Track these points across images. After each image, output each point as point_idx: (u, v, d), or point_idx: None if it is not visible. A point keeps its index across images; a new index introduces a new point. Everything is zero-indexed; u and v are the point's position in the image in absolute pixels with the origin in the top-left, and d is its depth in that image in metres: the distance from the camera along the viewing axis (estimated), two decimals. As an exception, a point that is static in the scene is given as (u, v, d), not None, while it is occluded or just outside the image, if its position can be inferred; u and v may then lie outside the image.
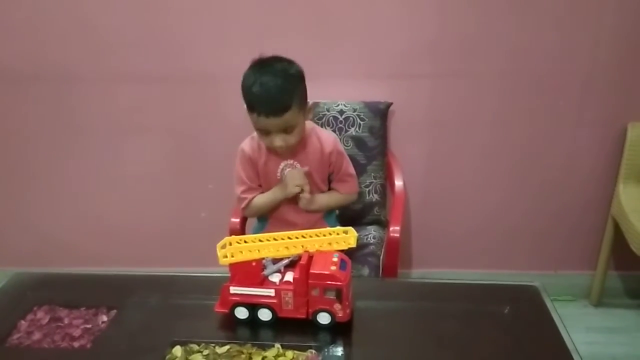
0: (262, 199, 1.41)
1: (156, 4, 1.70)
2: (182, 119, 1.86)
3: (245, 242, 1.03)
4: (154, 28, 1.74)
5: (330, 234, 1.07)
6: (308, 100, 1.33)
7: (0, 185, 2.01)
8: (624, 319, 1.91)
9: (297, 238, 1.05)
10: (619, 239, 1.79)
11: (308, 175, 1.39)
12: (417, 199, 1.93)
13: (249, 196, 1.41)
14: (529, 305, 1.08)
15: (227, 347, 0.96)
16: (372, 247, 1.57)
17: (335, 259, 1.01)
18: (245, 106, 1.28)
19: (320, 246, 1.05)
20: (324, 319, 1.00)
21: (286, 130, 1.27)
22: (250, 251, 1.01)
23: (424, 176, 1.89)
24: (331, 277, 0.98)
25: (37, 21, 1.74)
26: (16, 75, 1.83)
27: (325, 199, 1.45)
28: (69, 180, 1.98)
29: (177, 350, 0.95)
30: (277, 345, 0.95)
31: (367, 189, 1.70)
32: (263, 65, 1.26)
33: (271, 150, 1.36)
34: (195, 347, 0.96)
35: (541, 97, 1.76)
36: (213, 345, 0.97)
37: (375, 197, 1.71)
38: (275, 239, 1.04)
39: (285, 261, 1.06)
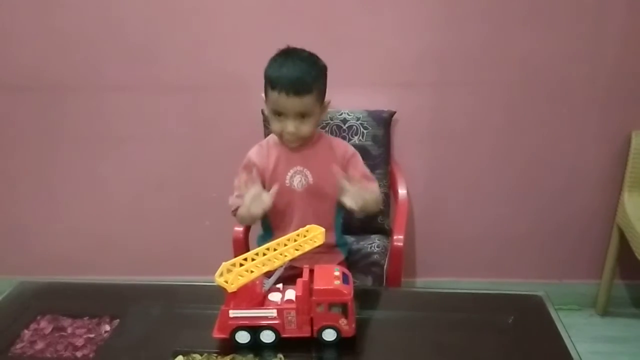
0: (241, 212, 1.30)
1: (157, 13, 1.72)
2: (185, 127, 1.87)
3: (240, 264, 0.98)
4: (151, 37, 1.75)
5: (297, 236, 1.06)
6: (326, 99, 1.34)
7: (3, 194, 2.02)
8: (631, 329, 1.90)
9: (274, 250, 1.02)
10: (625, 247, 1.78)
11: (319, 186, 1.34)
12: (420, 207, 1.92)
13: (238, 202, 1.32)
14: (534, 315, 1.08)
15: (230, 356, 0.96)
16: (375, 256, 1.57)
17: (337, 273, 1.00)
18: (263, 94, 1.29)
19: (296, 250, 1.03)
20: (329, 335, 0.98)
21: (302, 116, 1.27)
22: (248, 272, 0.97)
23: (427, 185, 1.89)
24: (336, 292, 0.96)
25: (31, 31, 1.76)
26: (9, 86, 1.84)
27: (365, 192, 1.26)
28: (71, 190, 1.98)
29: (180, 360, 0.95)
30: (280, 355, 0.95)
31: (371, 198, 1.69)
32: (290, 51, 1.30)
33: (281, 155, 1.35)
34: (197, 357, 0.96)
35: (545, 106, 1.76)
36: (215, 355, 0.96)
37: (378, 205, 1.70)
38: (264, 254, 1.01)
39: (281, 270, 1.03)
